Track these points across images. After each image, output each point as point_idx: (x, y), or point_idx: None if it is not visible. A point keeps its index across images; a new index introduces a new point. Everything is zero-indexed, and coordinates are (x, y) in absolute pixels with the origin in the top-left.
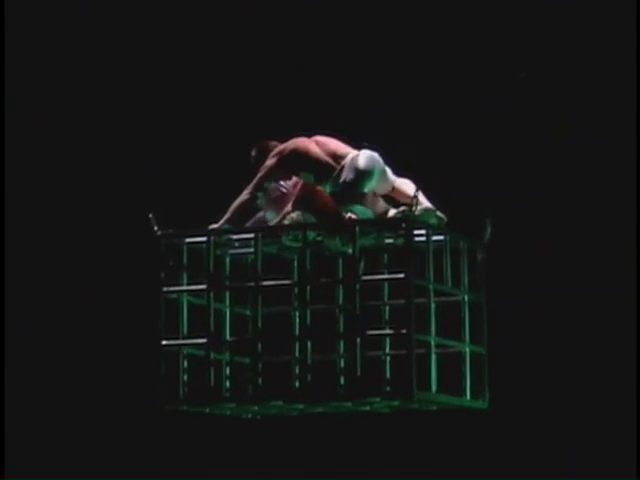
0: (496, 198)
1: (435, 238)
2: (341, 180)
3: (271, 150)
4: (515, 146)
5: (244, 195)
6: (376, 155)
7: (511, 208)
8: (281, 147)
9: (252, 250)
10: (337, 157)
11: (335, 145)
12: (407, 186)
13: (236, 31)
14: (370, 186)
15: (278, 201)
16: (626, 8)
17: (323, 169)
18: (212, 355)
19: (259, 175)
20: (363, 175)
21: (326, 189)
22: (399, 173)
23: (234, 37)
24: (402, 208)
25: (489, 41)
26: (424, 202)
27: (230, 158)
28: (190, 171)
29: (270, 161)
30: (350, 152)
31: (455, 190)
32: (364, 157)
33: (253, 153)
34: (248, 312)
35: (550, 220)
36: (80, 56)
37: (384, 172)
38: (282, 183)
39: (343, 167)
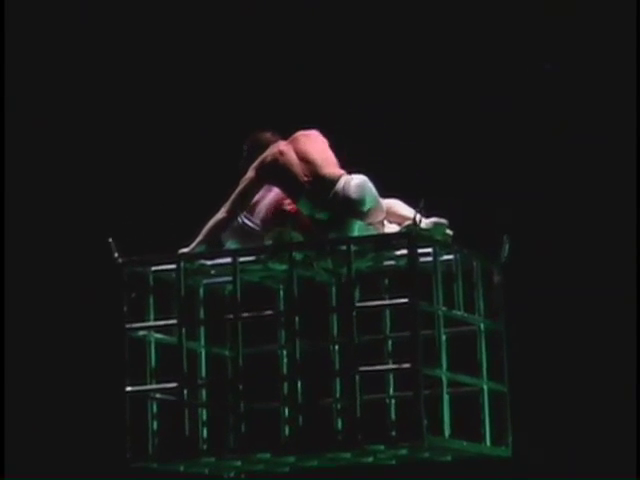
0: (514, 210)
1: (444, 258)
2: (329, 209)
3: (266, 145)
4: (534, 151)
5: (220, 214)
6: (367, 181)
7: (531, 222)
8: (262, 156)
9: (230, 278)
10: (320, 176)
11: (320, 158)
12: (400, 206)
13: (231, 34)
14: (362, 216)
15: (239, 231)
16: (626, 8)
17: (300, 187)
18: (186, 400)
19: (238, 189)
20: (354, 205)
21: (303, 210)
22: (396, 181)
23: (227, 40)
24: (406, 223)
25: (491, 42)
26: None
27: (206, 169)
28: (156, 186)
29: (250, 173)
30: (336, 173)
31: (465, 201)
32: (356, 185)
33: (245, 148)
34: (227, 352)
35: (575, 237)
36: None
37: (376, 199)
38: (245, 214)
39: (334, 192)
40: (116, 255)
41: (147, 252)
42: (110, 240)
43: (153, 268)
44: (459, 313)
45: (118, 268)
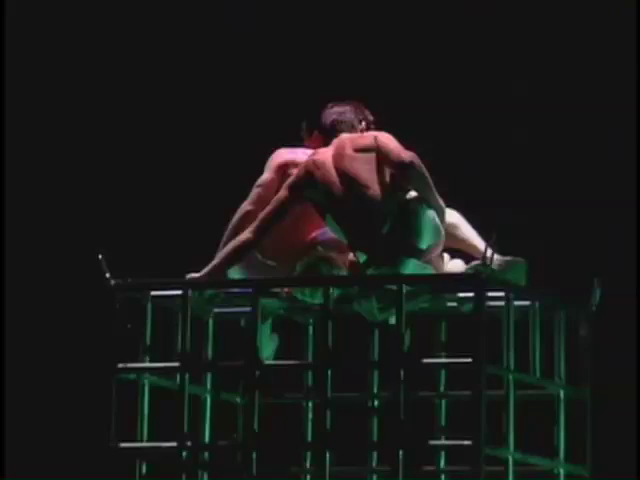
0: (607, 248)
1: (518, 303)
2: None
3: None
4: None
5: (245, 234)
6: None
7: (629, 261)
8: (297, 173)
9: (247, 309)
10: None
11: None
12: (465, 229)
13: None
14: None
15: (257, 268)
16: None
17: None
18: (185, 463)
19: (268, 209)
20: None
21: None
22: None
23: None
24: (474, 262)
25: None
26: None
27: (218, 180)
28: (160, 196)
29: (283, 192)
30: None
31: (545, 236)
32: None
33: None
34: (238, 399)
35: None
36: None
37: (439, 233)
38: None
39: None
40: (107, 276)
41: (146, 274)
42: (100, 256)
43: (153, 293)
44: (534, 377)
45: (109, 292)
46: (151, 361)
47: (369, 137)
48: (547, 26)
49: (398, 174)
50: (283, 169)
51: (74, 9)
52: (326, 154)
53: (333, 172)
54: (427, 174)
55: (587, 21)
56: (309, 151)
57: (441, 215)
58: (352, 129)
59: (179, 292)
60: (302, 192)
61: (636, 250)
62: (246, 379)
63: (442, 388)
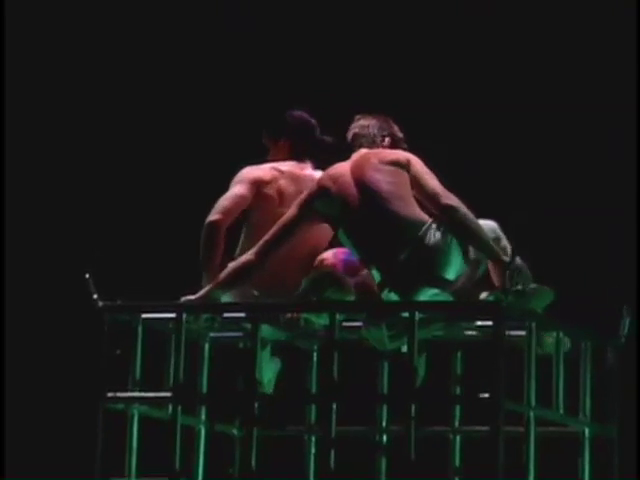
0: (635, 275)
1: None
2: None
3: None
4: None
5: (248, 255)
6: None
7: None
8: (308, 190)
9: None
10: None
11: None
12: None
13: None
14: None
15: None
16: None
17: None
18: None
19: (273, 230)
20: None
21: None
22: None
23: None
24: (490, 294)
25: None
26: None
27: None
28: (157, 219)
29: (292, 210)
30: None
31: (570, 261)
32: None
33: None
34: (235, 432)
35: None
36: None
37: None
38: None
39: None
40: (95, 297)
41: (137, 296)
42: (87, 276)
43: (144, 316)
44: (558, 414)
45: (96, 314)
46: (142, 389)
47: (400, 155)
48: (547, 26)
49: (440, 215)
50: (256, 185)
51: (74, 9)
52: (343, 167)
53: (352, 183)
54: (470, 216)
55: (587, 21)
56: (279, 166)
57: (485, 249)
58: (372, 145)
59: (172, 315)
60: (312, 208)
61: None
62: (244, 410)
63: (457, 423)
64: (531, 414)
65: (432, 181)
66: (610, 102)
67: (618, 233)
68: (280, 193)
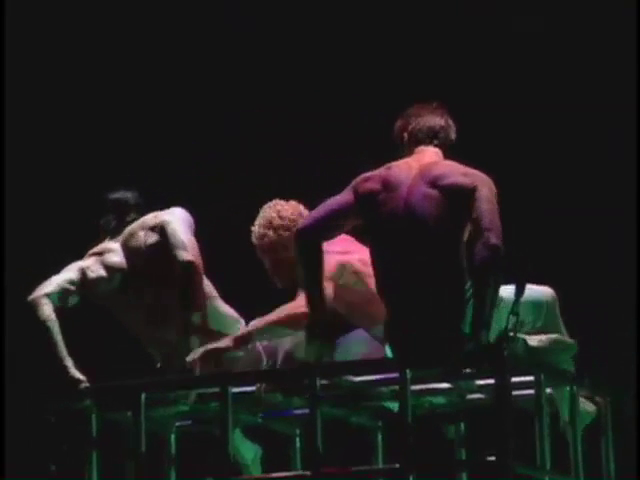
0: None
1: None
2: None
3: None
4: None
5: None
6: None
7: None
8: None
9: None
10: None
11: None
12: None
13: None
14: None
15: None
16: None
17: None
18: None
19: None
20: None
21: None
22: None
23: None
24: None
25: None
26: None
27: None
28: None
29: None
30: None
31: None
32: None
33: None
34: None
35: None
36: None
37: None
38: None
39: None
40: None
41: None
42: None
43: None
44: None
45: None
46: None
47: (465, 179)
48: (547, 26)
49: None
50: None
51: (74, 9)
52: (401, 175)
53: (401, 205)
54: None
55: (587, 21)
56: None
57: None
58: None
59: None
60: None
61: None
62: None
63: None
64: None
65: (495, 219)
66: (610, 102)
67: (618, 233)
68: None
